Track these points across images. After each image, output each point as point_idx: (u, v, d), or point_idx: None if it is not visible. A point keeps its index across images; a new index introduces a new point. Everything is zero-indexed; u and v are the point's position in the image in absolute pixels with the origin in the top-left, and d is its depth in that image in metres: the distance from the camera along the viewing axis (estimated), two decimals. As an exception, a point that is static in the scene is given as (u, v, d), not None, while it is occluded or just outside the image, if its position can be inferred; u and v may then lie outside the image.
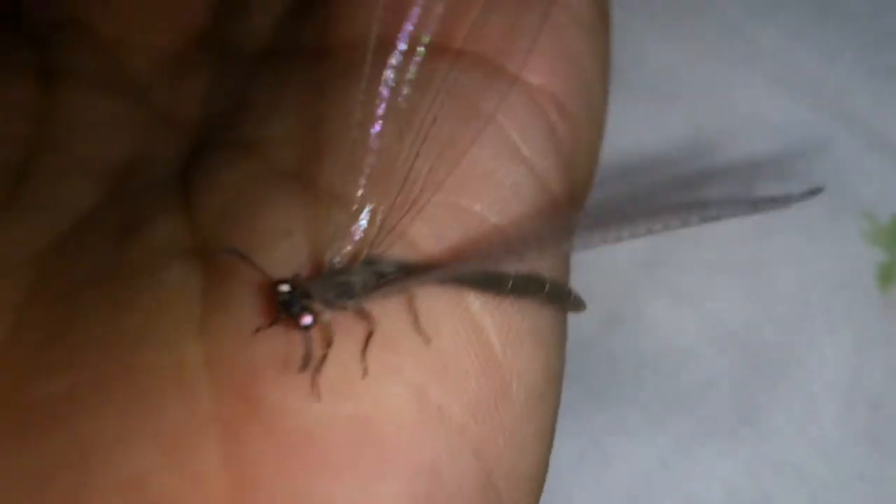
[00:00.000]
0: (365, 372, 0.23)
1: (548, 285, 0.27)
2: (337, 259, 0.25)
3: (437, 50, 0.28)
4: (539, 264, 0.28)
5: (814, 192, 0.26)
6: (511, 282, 0.26)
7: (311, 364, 0.23)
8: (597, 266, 0.44)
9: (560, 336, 0.29)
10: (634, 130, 0.47)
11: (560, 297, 0.28)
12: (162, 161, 0.32)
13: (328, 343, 0.24)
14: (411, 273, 0.25)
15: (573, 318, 0.44)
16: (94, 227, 0.30)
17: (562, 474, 0.41)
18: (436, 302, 0.25)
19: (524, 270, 0.27)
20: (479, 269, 0.25)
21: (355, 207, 0.26)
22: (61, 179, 0.31)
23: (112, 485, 0.22)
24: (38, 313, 0.26)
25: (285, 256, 0.26)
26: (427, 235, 0.26)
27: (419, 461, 0.23)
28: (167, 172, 0.32)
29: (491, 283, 0.26)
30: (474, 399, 0.25)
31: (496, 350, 0.26)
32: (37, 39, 0.36)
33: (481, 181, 0.27)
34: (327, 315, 0.24)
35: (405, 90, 0.27)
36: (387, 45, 0.27)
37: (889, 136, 0.45)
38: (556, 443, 0.41)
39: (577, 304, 0.29)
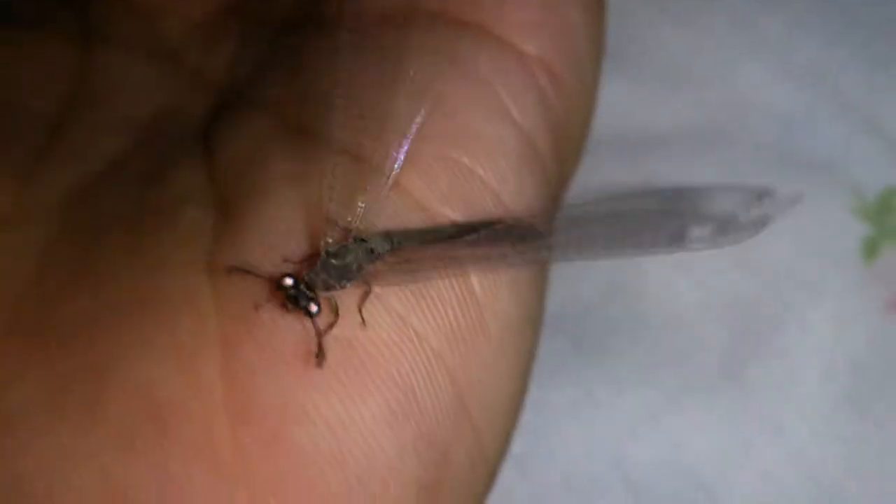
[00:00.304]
0: (363, 323, 0.26)
1: (515, 230, 0.29)
2: (330, 241, 0.27)
3: (434, 16, 0.31)
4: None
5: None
6: (481, 231, 0.28)
7: (325, 353, 0.25)
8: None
9: (539, 280, 0.31)
10: (641, 112, 0.49)
11: (527, 236, 0.30)
12: (189, 118, 0.35)
13: (336, 313, 0.26)
14: (399, 242, 0.28)
15: (576, 284, 0.47)
16: (121, 175, 0.33)
17: (554, 422, 0.44)
18: None
19: (491, 218, 0.29)
20: (454, 229, 0.28)
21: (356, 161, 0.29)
22: (94, 131, 0.35)
23: (124, 390, 0.25)
24: (65, 249, 0.30)
25: (292, 201, 0.29)
26: (418, 184, 0.29)
27: (396, 380, 0.26)
28: (192, 128, 0.35)
29: (463, 232, 0.28)
30: (451, 329, 0.27)
31: (475, 288, 0.28)
32: (76, 6, 0.38)
33: (471, 137, 0.30)
34: (329, 295, 0.26)
35: (405, 54, 0.30)
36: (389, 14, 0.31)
37: (880, 120, 0.47)
38: (549, 393, 0.44)
39: (547, 230, 0.31)
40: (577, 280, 0.47)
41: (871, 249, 0.45)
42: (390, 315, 0.27)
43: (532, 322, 0.31)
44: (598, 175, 0.46)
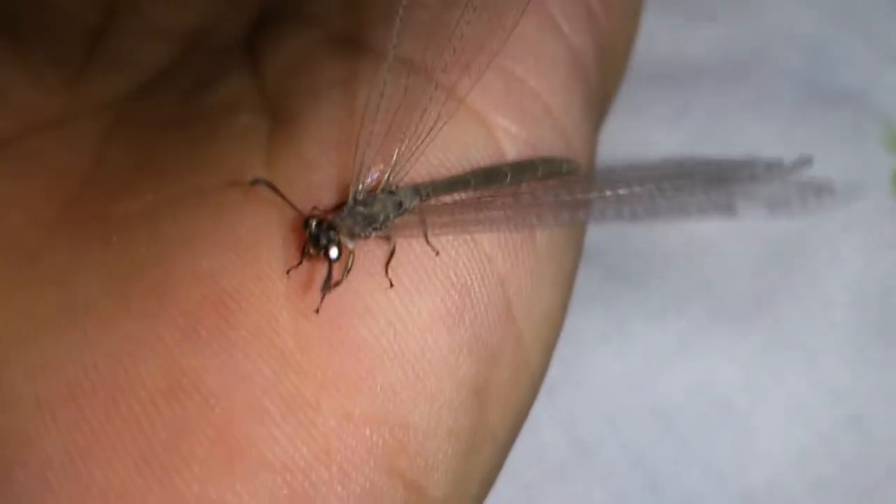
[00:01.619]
0: (391, 284, 0.26)
1: (540, 169, 0.29)
2: (360, 188, 0.27)
3: None
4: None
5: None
6: (508, 175, 0.28)
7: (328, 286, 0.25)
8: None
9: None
10: (673, 42, 0.49)
11: (555, 173, 0.30)
12: (228, 30, 0.35)
13: (347, 270, 0.26)
14: (427, 195, 0.28)
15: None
16: (168, 82, 0.33)
17: (586, 353, 0.44)
18: None
19: (516, 161, 0.29)
20: (480, 173, 0.28)
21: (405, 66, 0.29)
22: (137, 39, 0.35)
23: (190, 277, 0.25)
24: (118, 148, 0.30)
25: (343, 101, 0.29)
26: (473, 91, 0.29)
27: (453, 280, 0.26)
28: (233, 40, 0.35)
29: (491, 179, 0.28)
30: (502, 236, 0.28)
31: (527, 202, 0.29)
32: None
33: (523, 48, 0.30)
34: (351, 244, 0.26)
35: None
36: None
37: (909, 52, 0.48)
38: (580, 324, 0.44)
39: (573, 170, 0.30)
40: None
41: (901, 182, 0.45)
42: (450, 215, 0.27)
43: (576, 239, 0.31)
44: (632, 102, 0.47)
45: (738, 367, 0.43)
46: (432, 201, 0.28)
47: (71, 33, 0.34)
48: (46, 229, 0.27)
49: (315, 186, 0.27)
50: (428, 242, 0.26)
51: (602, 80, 0.33)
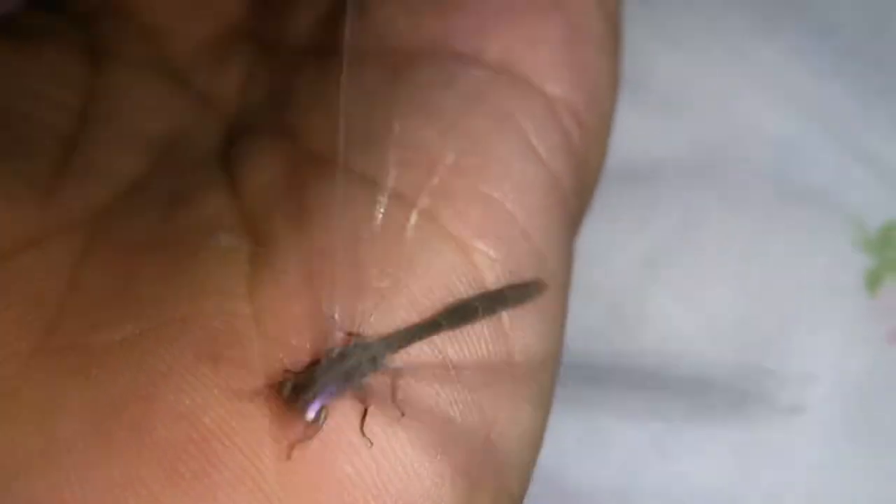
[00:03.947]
0: (370, 444, 0.25)
1: (510, 300, 0.29)
2: (333, 347, 0.26)
3: (465, 58, 0.32)
4: None
5: None
6: (479, 310, 0.28)
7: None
8: (601, 262, 0.47)
9: (560, 313, 0.32)
10: (638, 139, 0.49)
11: (526, 299, 0.29)
12: (202, 141, 0.35)
13: (321, 425, 0.25)
14: (399, 346, 0.27)
15: (578, 312, 0.47)
16: (142, 196, 0.32)
17: (560, 456, 0.43)
18: None
19: (485, 293, 0.28)
20: (450, 312, 0.27)
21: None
22: (109, 149, 0.34)
23: (171, 415, 0.24)
24: (94, 270, 0.29)
25: (322, 227, 0.28)
26: (451, 216, 0.29)
27: (435, 410, 0.26)
28: (207, 152, 0.34)
29: (464, 318, 0.28)
30: (483, 362, 0.28)
31: (504, 322, 0.28)
32: (80, 22, 0.38)
33: (500, 173, 0.30)
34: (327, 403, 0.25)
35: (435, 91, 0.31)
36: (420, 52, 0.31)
37: (877, 152, 0.48)
38: (555, 426, 0.43)
39: (541, 290, 0.30)
40: (578, 308, 0.47)
41: (873, 281, 0.45)
42: (429, 347, 0.27)
43: (553, 355, 0.31)
44: (599, 200, 0.47)
45: (715, 467, 0.43)
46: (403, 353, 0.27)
47: (42, 144, 0.33)
48: (24, 361, 0.26)
49: (295, 317, 0.27)
50: (395, 404, 0.26)
51: (578, 200, 0.33)
